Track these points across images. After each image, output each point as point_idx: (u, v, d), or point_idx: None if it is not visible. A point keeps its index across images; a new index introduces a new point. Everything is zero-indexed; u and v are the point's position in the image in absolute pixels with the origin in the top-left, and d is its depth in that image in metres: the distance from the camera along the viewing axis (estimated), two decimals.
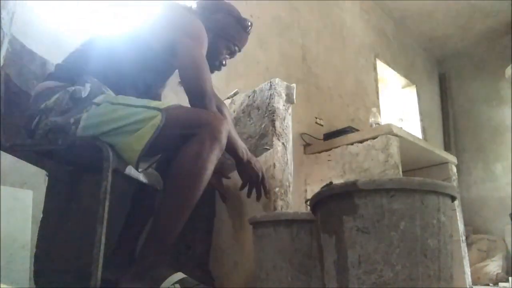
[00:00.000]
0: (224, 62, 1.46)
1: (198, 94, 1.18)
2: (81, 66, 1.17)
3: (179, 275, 1.05)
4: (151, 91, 1.32)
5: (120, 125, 1.05)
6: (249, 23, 1.47)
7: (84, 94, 1.08)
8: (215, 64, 1.44)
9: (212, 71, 1.41)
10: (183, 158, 1.08)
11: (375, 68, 3.71)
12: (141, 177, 1.19)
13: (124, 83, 1.21)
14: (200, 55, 1.22)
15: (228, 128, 1.16)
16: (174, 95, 1.62)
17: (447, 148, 4.41)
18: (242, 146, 1.32)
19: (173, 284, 1.02)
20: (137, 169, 1.08)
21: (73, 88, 1.09)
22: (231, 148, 1.26)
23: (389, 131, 2.17)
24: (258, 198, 1.39)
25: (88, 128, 1.05)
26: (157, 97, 1.39)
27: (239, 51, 1.50)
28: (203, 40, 1.25)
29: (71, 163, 1.30)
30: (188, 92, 1.20)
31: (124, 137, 1.05)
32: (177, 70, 1.26)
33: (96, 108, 1.07)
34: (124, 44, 1.23)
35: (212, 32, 1.37)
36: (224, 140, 1.13)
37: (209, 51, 1.32)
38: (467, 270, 2.48)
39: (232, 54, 1.48)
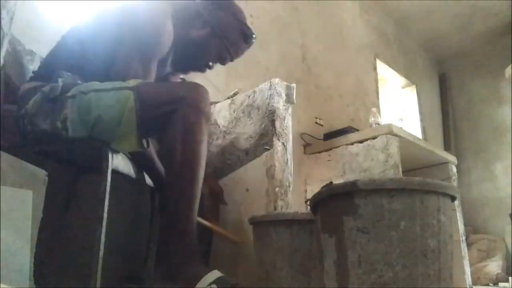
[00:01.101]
0: (211, 65, 1.35)
1: None
2: (58, 61, 1.15)
3: (215, 274, 0.98)
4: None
5: (101, 115, 1.01)
6: (253, 35, 1.35)
7: (57, 91, 1.04)
8: (200, 64, 1.36)
9: (194, 70, 1.36)
10: (173, 139, 1.05)
11: (375, 68, 3.71)
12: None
13: (98, 73, 1.15)
14: (134, 61, 1.14)
15: (208, 96, 1.11)
16: None
17: (447, 148, 4.41)
18: None
19: (209, 284, 0.94)
20: (145, 150, 1.06)
21: (48, 87, 1.05)
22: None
23: (389, 131, 2.17)
24: None
25: (77, 129, 1.01)
26: None
27: (231, 60, 1.38)
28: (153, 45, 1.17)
29: (71, 163, 1.30)
30: None
31: (112, 126, 1.01)
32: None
33: (73, 103, 1.02)
34: (95, 35, 1.18)
35: (209, 27, 1.29)
36: (206, 108, 1.09)
37: (198, 47, 1.28)
38: (467, 270, 2.48)
39: (222, 60, 1.37)
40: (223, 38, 1.32)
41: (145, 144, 1.08)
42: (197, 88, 1.10)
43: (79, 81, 1.08)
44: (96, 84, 1.06)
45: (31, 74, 1.22)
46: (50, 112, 1.03)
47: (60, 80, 1.05)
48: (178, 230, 1.04)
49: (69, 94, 1.04)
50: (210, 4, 1.31)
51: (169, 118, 1.06)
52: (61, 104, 1.03)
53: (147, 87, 1.07)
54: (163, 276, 1.04)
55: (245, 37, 1.36)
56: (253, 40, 1.37)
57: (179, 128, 1.05)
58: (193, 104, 1.06)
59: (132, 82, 1.06)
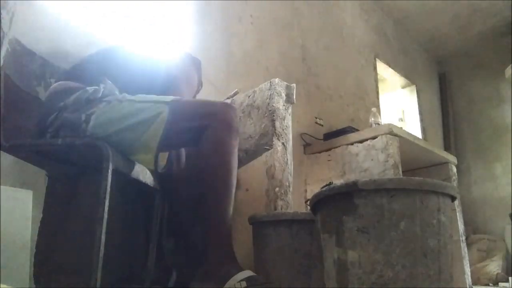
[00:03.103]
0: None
1: None
2: (100, 70, 1.22)
3: (246, 273, 1.01)
4: None
5: (130, 122, 1.06)
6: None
7: (99, 94, 1.11)
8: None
9: None
10: (208, 153, 1.12)
11: (375, 68, 3.71)
12: (141, 177, 1.19)
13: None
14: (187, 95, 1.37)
15: (237, 114, 1.21)
16: None
17: (447, 148, 4.41)
18: None
19: (239, 281, 0.99)
20: (157, 168, 1.08)
21: (92, 88, 1.12)
22: None
23: (389, 131, 2.17)
24: None
25: (99, 127, 1.06)
26: None
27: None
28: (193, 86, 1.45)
29: (71, 163, 1.30)
30: None
31: (136, 135, 1.06)
32: None
33: (106, 106, 1.09)
34: (145, 59, 1.33)
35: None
36: (236, 125, 1.18)
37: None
38: (467, 270, 2.48)
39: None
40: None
41: (163, 164, 1.12)
42: (228, 107, 1.19)
43: (116, 92, 1.15)
44: (133, 96, 1.13)
45: (61, 72, 1.31)
46: (83, 108, 1.09)
47: (102, 86, 1.13)
48: (215, 234, 1.09)
49: (106, 99, 1.11)
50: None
51: (199, 133, 1.12)
52: (95, 105, 1.09)
53: (183, 102, 1.15)
54: (200, 277, 1.06)
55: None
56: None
57: (212, 144, 1.12)
58: (224, 121, 1.14)
59: (169, 97, 1.14)
